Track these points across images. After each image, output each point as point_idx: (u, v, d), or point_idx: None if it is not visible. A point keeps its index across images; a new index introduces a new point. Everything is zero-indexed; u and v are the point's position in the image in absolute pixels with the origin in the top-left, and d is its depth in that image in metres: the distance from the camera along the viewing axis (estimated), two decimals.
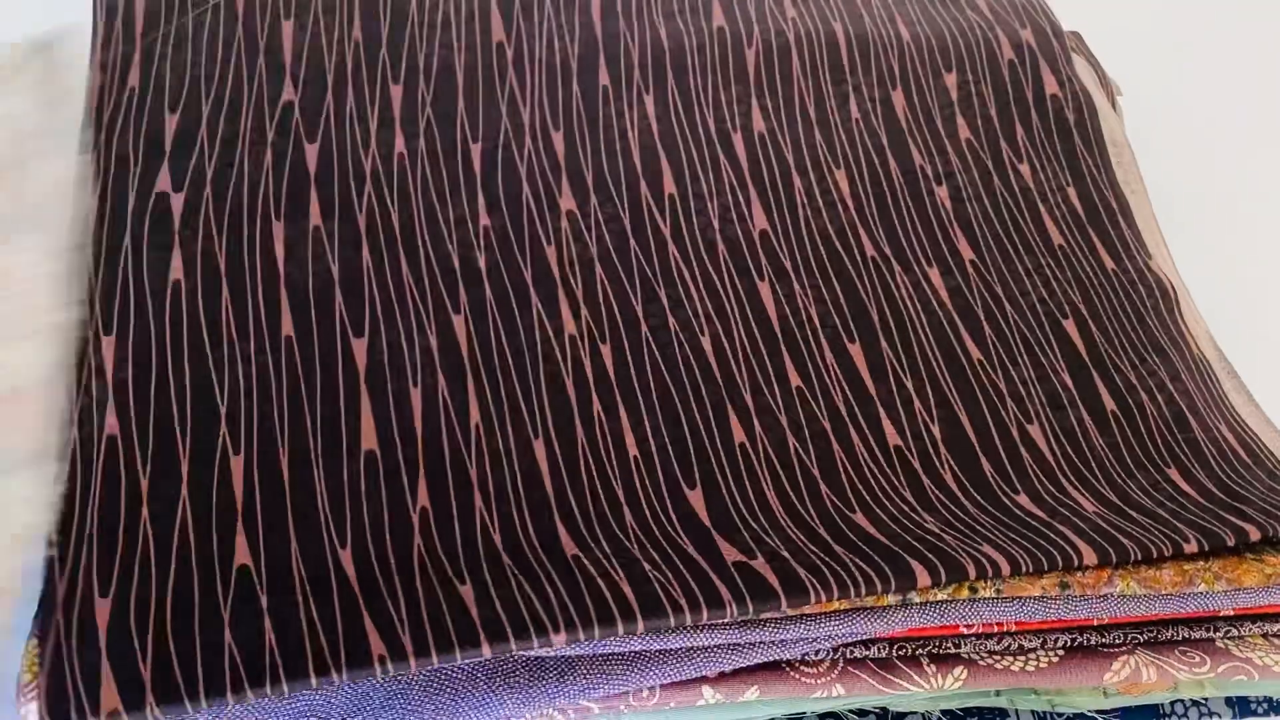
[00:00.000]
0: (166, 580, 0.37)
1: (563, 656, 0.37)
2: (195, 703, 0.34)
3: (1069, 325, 0.48)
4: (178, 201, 0.46)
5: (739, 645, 0.38)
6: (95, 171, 0.47)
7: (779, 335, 0.46)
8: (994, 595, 0.39)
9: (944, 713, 0.43)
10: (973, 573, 0.39)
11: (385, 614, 0.36)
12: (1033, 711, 0.43)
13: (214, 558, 0.38)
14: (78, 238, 0.45)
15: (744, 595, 0.37)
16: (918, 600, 0.39)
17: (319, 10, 0.52)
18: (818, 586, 0.37)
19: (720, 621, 0.38)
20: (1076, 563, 0.40)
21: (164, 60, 0.50)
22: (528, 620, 0.36)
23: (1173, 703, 0.44)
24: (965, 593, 0.39)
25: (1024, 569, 0.39)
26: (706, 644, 0.37)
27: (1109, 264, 0.51)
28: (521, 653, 0.37)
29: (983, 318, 0.48)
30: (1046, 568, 0.39)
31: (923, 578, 0.38)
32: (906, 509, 0.42)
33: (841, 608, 0.38)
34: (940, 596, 0.39)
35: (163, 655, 0.35)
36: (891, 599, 0.38)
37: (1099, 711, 0.44)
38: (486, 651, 0.36)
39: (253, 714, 0.36)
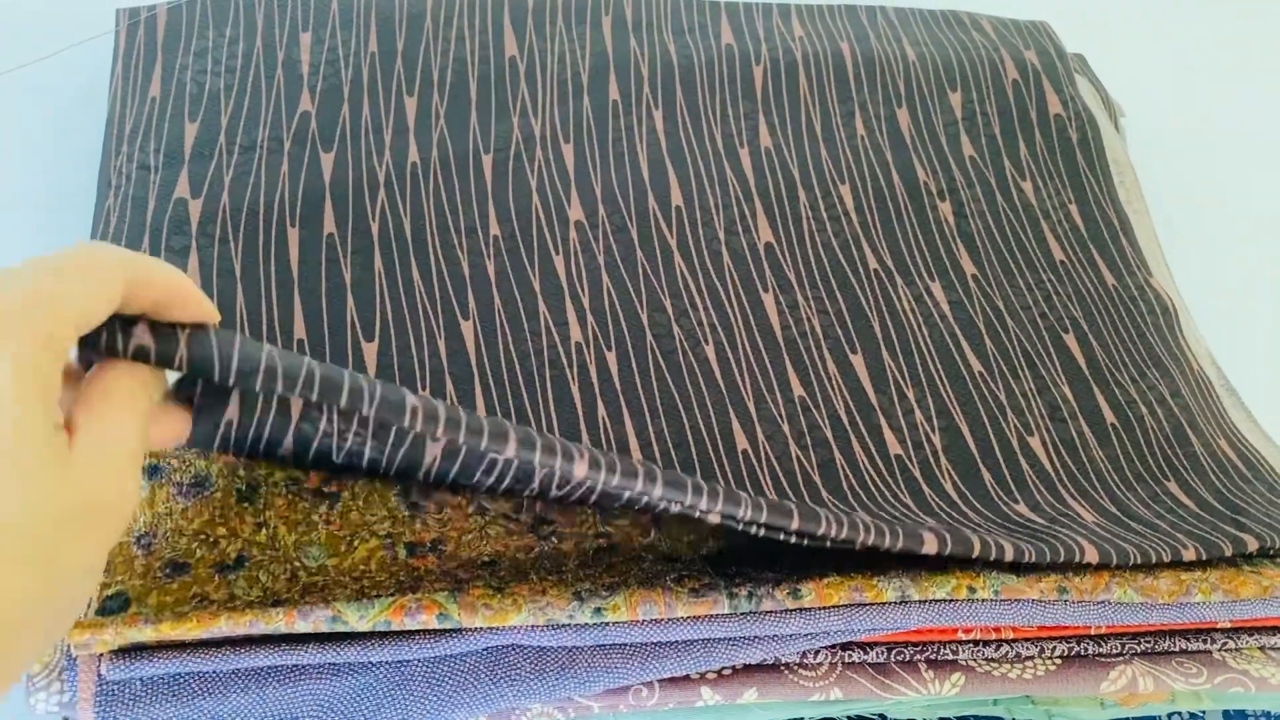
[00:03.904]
0: None
1: (564, 648, 0.38)
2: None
3: (1069, 339, 0.49)
4: (195, 207, 0.47)
5: (738, 640, 0.38)
6: (116, 178, 0.48)
7: (782, 345, 0.47)
8: (992, 596, 0.40)
9: None
10: (978, 548, 0.38)
11: None
12: None
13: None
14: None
15: (761, 507, 0.36)
16: (916, 597, 0.39)
17: (336, 24, 0.54)
18: (830, 520, 0.37)
19: (719, 614, 0.38)
20: (1079, 558, 0.40)
21: (184, 71, 0.51)
22: (558, 449, 0.35)
23: (1170, 715, 0.44)
24: (964, 593, 0.40)
25: (1027, 557, 0.39)
26: (707, 637, 0.38)
27: (1110, 280, 0.51)
28: (524, 643, 0.37)
29: (984, 331, 0.49)
30: (1049, 559, 0.39)
31: (930, 544, 0.38)
32: (909, 514, 0.42)
33: (840, 602, 0.38)
34: (939, 595, 0.39)
35: None
36: (891, 594, 0.39)
37: None
38: (510, 450, 0.34)
39: (261, 706, 0.37)
